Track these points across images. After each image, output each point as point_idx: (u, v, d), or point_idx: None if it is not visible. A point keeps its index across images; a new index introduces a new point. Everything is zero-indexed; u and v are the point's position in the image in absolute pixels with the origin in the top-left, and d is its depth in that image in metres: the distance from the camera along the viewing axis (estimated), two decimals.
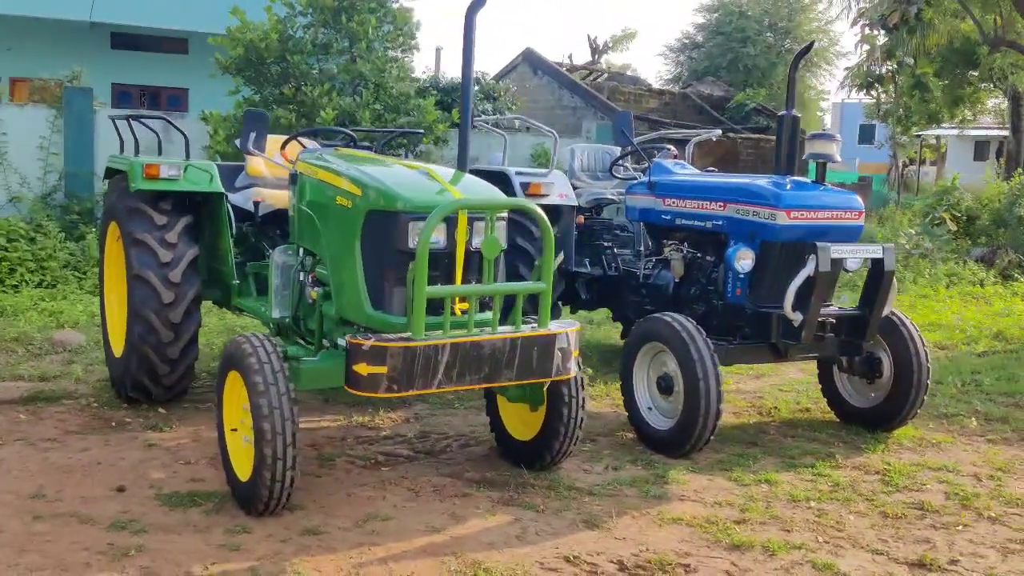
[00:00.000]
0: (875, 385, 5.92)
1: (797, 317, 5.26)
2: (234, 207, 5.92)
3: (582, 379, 4.78)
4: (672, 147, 7.39)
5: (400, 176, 4.47)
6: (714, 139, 8.18)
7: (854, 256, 5.36)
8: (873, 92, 23.59)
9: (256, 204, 5.79)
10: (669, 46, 38.22)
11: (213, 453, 4.83)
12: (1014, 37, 18.54)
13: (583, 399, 4.79)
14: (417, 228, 4.06)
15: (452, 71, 16.08)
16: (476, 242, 4.20)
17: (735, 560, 4.03)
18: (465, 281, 4.24)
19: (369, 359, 3.91)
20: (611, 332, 8.60)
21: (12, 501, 4.34)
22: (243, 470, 4.25)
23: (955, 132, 33.70)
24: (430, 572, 3.80)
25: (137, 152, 6.05)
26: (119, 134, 6.31)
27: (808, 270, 5.22)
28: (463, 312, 4.20)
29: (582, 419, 4.82)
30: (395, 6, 11.62)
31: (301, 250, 4.99)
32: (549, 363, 4.28)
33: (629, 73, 34.47)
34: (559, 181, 6.92)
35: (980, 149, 37.74)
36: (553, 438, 4.82)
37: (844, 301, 5.90)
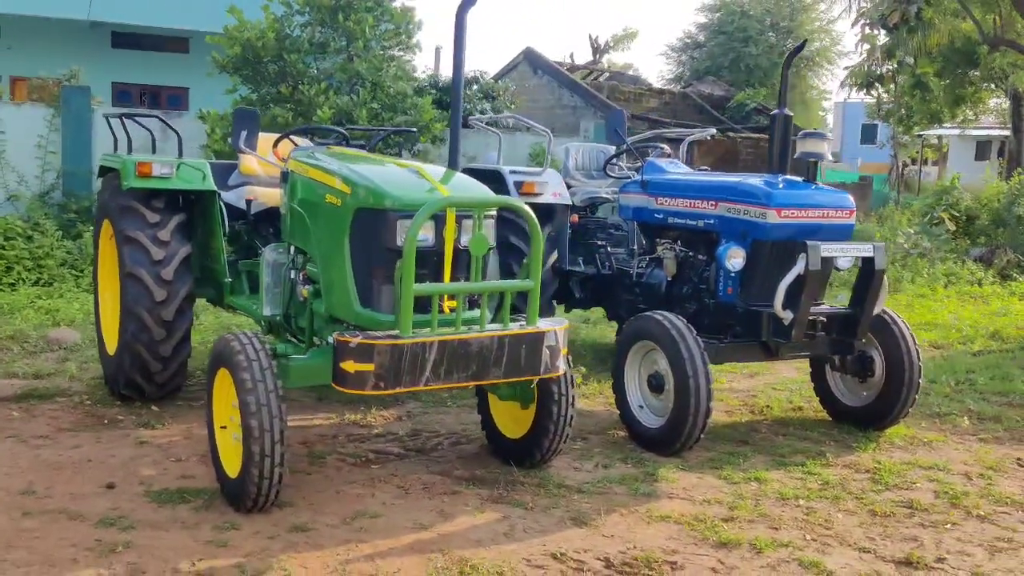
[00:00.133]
0: (867, 384, 5.92)
1: (787, 315, 5.27)
2: (227, 205, 5.93)
3: (572, 377, 4.78)
4: (665, 146, 7.39)
5: (389, 174, 4.48)
6: (708, 138, 8.20)
7: (844, 255, 5.37)
8: (873, 92, 23.57)
9: (249, 202, 5.81)
10: (671, 46, 38.21)
11: (204, 450, 4.85)
12: (1014, 37, 18.52)
13: (573, 397, 4.80)
14: (405, 226, 4.07)
15: (450, 70, 16.04)
16: (464, 240, 4.21)
17: (722, 558, 4.04)
18: (454, 279, 4.25)
19: (356, 356, 3.92)
20: (606, 331, 8.61)
21: (2, 498, 4.35)
22: (232, 467, 4.26)
23: (956, 132, 33.66)
24: (416, 569, 3.81)
25: (130, 150, 6.07)
26: (113, 133, 6.32)
27: (798, 268, 5.23)
28: (451, 310, 4.22)
29: (572, 417, 4.83)
30: (394, 5, 11.65)
31: (292, 248, 5.00)
32: (537, 361, 4.29)
33: (631, 73, 34.48)
34: (553, 180, 6.94)
35: (982, 149, 37.71)
36: (543, 436, 4.83)
37: (841, 300, 5.90)
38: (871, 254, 5.40)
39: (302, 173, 4.83)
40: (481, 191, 4.47)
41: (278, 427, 4.02)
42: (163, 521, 4.16)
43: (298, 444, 5.26)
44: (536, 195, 6.74)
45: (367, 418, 5.84)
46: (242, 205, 5.87)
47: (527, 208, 4.30)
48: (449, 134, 5.33)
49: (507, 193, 6.54)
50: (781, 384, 7.15)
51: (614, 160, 7.51)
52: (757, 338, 5.57)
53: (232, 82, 10.84)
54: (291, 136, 5.54)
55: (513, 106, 16.10)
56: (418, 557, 3.90)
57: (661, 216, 6.39)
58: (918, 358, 5.73)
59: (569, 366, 4.72)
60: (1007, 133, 27.39)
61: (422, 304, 4.09)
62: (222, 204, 5.83)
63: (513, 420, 5.02)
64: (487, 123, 7.78)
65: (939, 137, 36.49)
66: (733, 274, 5.66)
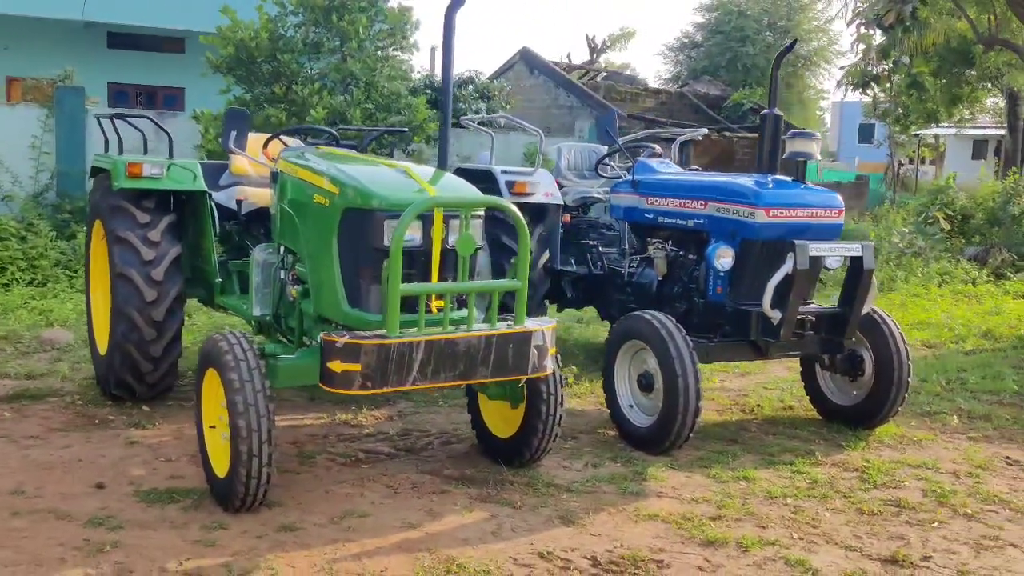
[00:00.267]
0: (857, 383, 5.94)
1: (776, 315, 5.28)
2: (218, 205, 5.94)
3: (561, 376, 4.80)
4: (656, 146, 7.41)
5: (377, 174, 4.49)
6: (699, 138, 8.19)
7: (833, 254, 5.39)
8: (869, 92, 23.60)
9: (239, 203, 5.82)
10: (668, 45, 38.29)
11: (194, 450, 4.85)
12: (1008, 36, 18.55)
13: (562, 396, 4.81)
14: (392, 226, 4.08)
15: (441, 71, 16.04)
16: (452, 240, 4.23)
17: (708, 556, 4.05)
18: (442, 279, 4.26)
19: (343, 356, 3.93)
20: (598, 331, 8.62)
21: None
22: (221, 467, 4.27)
23: (953, 131, 33.70)
24: (403, 568, 3.82)
25: (121, 151, 6.08)
26: (104, 133, 6.33)
27: (787, 268, 5.24)
28: (439, 310, 4.23)
29: (561, 416, 4.84)
30: (390, 5, 11.66)
31: (282, 248, 5.01)
32: (525, 360, 4.30)
33: (628, 72, 34.47)
34: (545, 180, 6.95)
35: (978, 148, 37.75)
36: (532, 435, 4.84)
37: (836, 300, 5.90)
38: (859, 253, 5.41)
39: (291, 173, 4.84)
40: (468, 191, 4.48)
41: (266, 427, 4.03)
42: (152, 521, 4.17)
43: (288, 444, 5.27)
44: (528, 195, 6.75)
45: (358, 418, 5.85)
46: (233, 205, 5.88)
47: (514, 208, 4.31)
48: (440, 134, 5.35)
49: (499, 193, 6.56)
50: (772, 383, 7.17)
51: (605, 160, 7.53)
52: (746, 337, 5.58)
53: (226, 82, 10.85)
54: (281, 136, 5.55)
55: (508, 106, 16.12)
56: (405, 556, 3.92)
57: (652, 216, 6.40)
58: (907, 357, 5.74)
59: (558, 365, 4.73)
60: (1003, 132, 27.44)
61: (410, 304, 4.11)
62: (213, 204, 5.84)
63: (502, 419, 5.04)
64: (479, 123, 7.78)
65: (936, 136, 36.54)
66: (722, 274, 5.67)
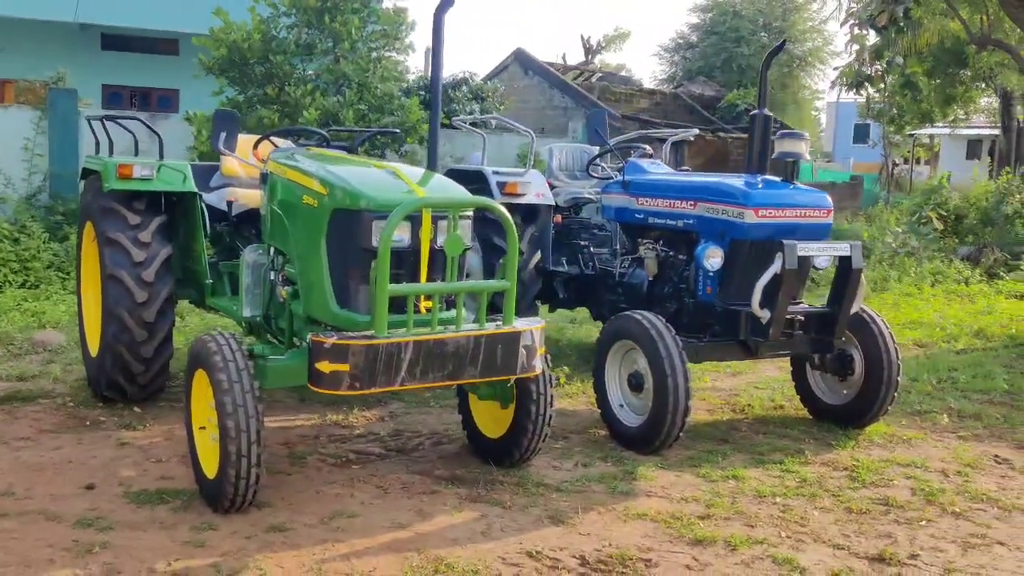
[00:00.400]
0: (847, 382, 5.96)
1: (765, 314, 5.30)
2: (209, 207, 5.95)
3: (550, 376, 4.81)
4: (647, 147, 7.42)
5: (366, 175, 4.50)
6: (691, 139, 8.21)
7: (821, 254, 5.41)
8: (863, 92, 23.62)
9: (230, 204, 5.82)
10: (663, 46, 38.26)
11: (185, 451, 4.85)
12: (1001, 36, 18.59)
13: (551, 396, 4.82)
14: (380, 226, 4.09)
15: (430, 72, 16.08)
16: (440, 241, 4.24)
17: (696, 555, 4.07)
18: (431, 279, 4.27)
19: (331, 357, 3.94)
20: (591, 331, 8.63)
21: None
22: (210, 467, 4.28)
23: (947, 131, 33.77)
24: (392, 567, 3.83)
25: (112, 152, 6.08)
26: (95, 135, 6.34)
27: (775, 268, 5.26)
28: (428, 310, 4.24)
29: (550, 416, 4.85)
30: (384, 7, 11.66)
31: (272, 249, 5.02)
32: (514, 360, 4.31)
33: (623, 73, 34.51)
34: (536, 180, 6.97)
35: (973, 148, 37.82)
36: (522, 435, 4.85)
37: None
38: (848, 253, 5.43)
39: (281, 174, 4.84)
40: (456, 191, 4.50)
41: (255, 427, 4.04)
42: (141, 522, 4.17)
43: (279, 445, 5.28)
44: (519, 195, 6.77)
45: (349, 419, 5.86)
46: (223, 207, 5.88)
47: (502, 208, 4.33)
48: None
49: (490, 194, 6.58)
50: (763, 383, 7.19)
51: (597, 161, 7.54)
52: (735, 337, 5.60)
53: (219, 84, 10.85)
54: (272, 138, 5.56)
55: (502, 107, 16.12)
56: (394, 556, 3.93)
57: (642, 216, 6.42)
58: (897, 356, 5.76)
59: (547, 366, 4.74)
60: (997, 132, 27.50)
61: (399, 305, 4.12)
62: (203, 205, 5.85)
63: (493, 420, 5.05)
64: (471, 124, 7.80)
65: (930, 136, 36.60)
66: (712, 273, 5.69)
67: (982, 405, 6.71)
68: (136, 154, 6.18)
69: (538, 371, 4.51)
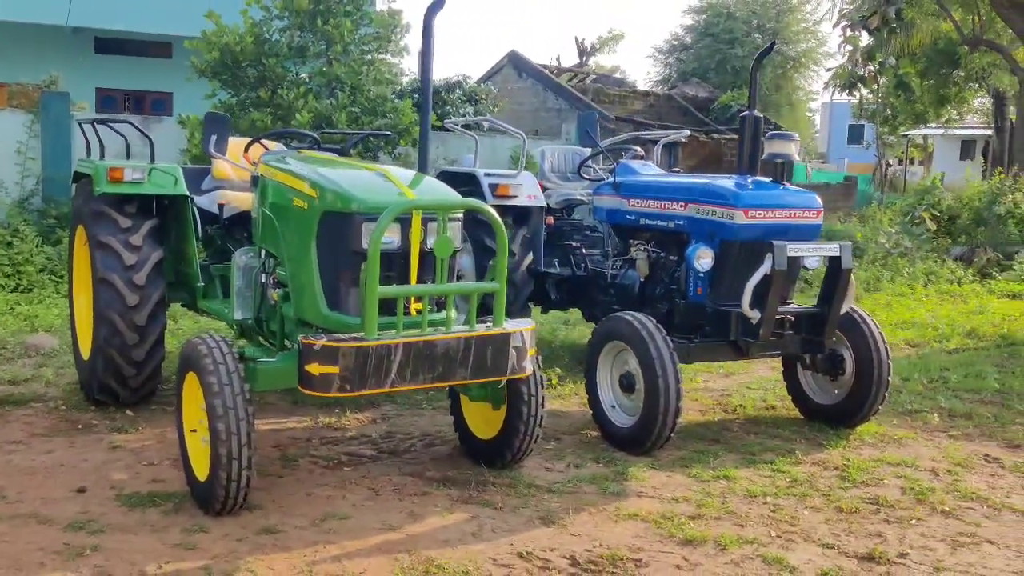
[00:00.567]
0: (838, 382, 5.97)
1: (755, 315, 5.32)
2: (200, 210, 5.95)
3: (541, 378, 4.81)
4: (638, 148, 7.44)
5: (356, 178, 4.51)
6: (683, 140, 8.23)
7: (811, 254, 5.43)
8: (856, 93, 23.73)
9: (221, 207, 5.83)
10: (658, 48, 38.36)
11: (176, 454, 4.85)
12: (993, 36, 18.68)
13: (543, 397, 4.82)
14: (370, 229, 4.10)
15: (436, 73, 16.10)
16: (431, 242, 4.25)
17: (686, 554, 4.08)
18: (421, 281, 4.28)
19: (321, 359, 3.95)
20: (584, 332, 8.63)
21: None
22: (201, 470, 4.28)
23: (940, 132, 33.88)
24: (383, 569, 3.84)
25: (103, 156, 6.09)
26: (86, 139, 6.34)
27: (765, 268, 5.28)
28: (418, 312, 4.25)
29: (542, 417, 4.85)
30: (377, 9, 11.68)
31: (263, 252, 5.02)
32: (504, 362, 4.32)
33: (617, 75, 34.59)
34: (528, 182, 6.98)
35: (966, 148, 37.92)
36: (513, 436, 4.86)
37: None
38: (837, 253, 5.45)
39: (271, 177, 4.85)
40: (446, 193, 4.51)
41: (245, 430, 4.04)
42: (132, 524, 4.18)
43: (271, 447, 5.29)
44: (511, 197, 6.79)
45: (341, 421, 5.87)
46: (215, 209, 5.89)
47: (491, 210, 4.34)
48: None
49: (482, 196, 6.59)
50: (756, 383, 7.21)
51: (588, 162, 7.56)
52: (726, 338, 5.62)
53: (211, 87, 10.86)
54: (263, 140, 5.57)
55: (496, 109, 16.15)
56: (385, 558, 3.93)
57: (633, 218, 6.44)
58: (887, 356, 5.78)
59: (538, 367, 4.75)
60: (991, 132, 27.60)
61: (389, 306, 4.13)
62: (195, 208, 5.85)
63: (484, 421, 5.05)
64: (463, 126, 7.81)
65: (924, 137, 36.71)
66: (702, 274, 5.70)
67: (973, 404, 6.74)
68: (128, 157, 6.18)
69: (529, 372, 4.52)
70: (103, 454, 5.12)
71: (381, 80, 11.26)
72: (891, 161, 32.87)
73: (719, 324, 5.65)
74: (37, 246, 9.93)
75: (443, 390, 5.52)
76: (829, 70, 26.22)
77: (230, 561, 3.83)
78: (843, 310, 5.58)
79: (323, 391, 4.00)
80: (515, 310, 6.61)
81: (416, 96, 13.08)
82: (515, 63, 22.14)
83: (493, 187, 6.76)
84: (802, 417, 6.21)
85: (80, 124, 6.42)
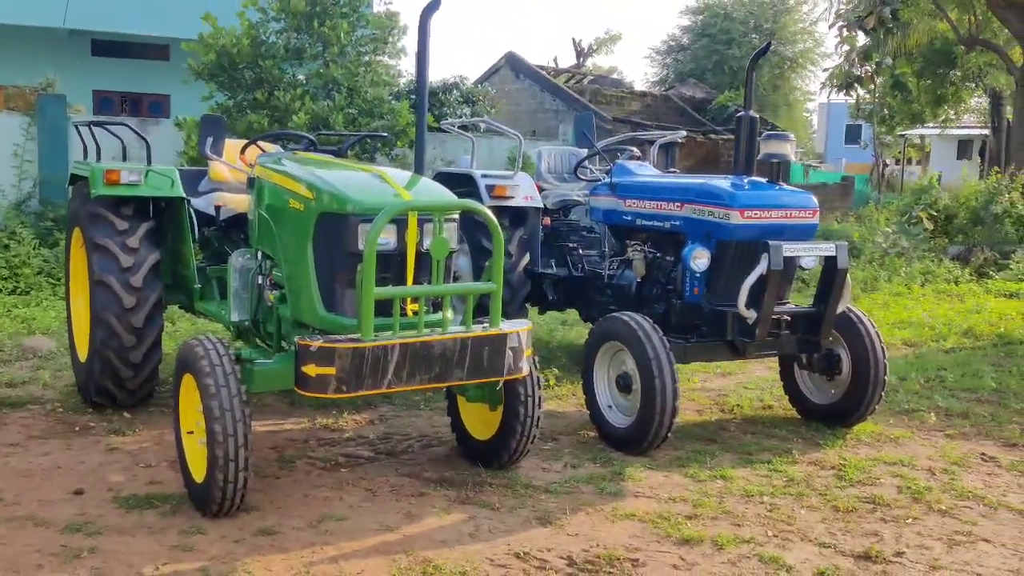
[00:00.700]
0: (835, 382, 5.98)
1: (751, 315, 5.33)
2: (197, 211, 5.96)
3: (538, 378, 4.82)
4: (634, 149, 7.45)
5: (352, 179, 4.52)
6: (680, 140, 8.24)
7: (807, 254, 5.44)
8: (852, 93, 23.76)
9: (218, 208, 5.84)
10: (655, 48, 38.40)
11: (174, 456, 4.85)
12: (989, 36, 18.70)
13: (539, 398, 4.83)
14: (366, 230, 4.10)
15: (433, 74, 16.13)
16: (427, 243, 4.25)
17: (683, 554, 4.09)
18: (417, 282, 4.28)
19: (317, 360, 3.96)
20: (581, 332, 8.63)
21: None
22: (198, 472, 4.29)
23: (937, 132, 33.91)
24: (380, 570, 3.84)
25: (100, 158, 6.09)
26: (83, 141, 6.34)
27: (761, 268, 5.28)
28: (414, 313, 4.26)
29: (539, 418, 4.86)
30: (375, 11, 11.68)
31: (260, 253, 5.03)
32: (500, 362, 4.32)
33: (615, 76, 34.58)
34: (524, 183, 6.99)
35: (963, 148, 37.98)
36: (510, 436, 4.86)
37: None
38: (833, 253, 5.46)
39: (268, 179, 4.86)
40: (442, 194, 4.51)
41: (242, 431, 4.05)
42: (129, 526, 4.18)
43: (268, 449, 5.29)
44: (508, 198, 6.80)
45: (338, 422, 5.87)
46: (212, 211, 5.90)
47: (486, 210, 4.35)
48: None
49: (479, 197, 6.60)
50: (753, 383, 7.21)
51: (585, 163, 7.57)
52: (723, 338, 5.63)
53: (208, 89, 10.86)
54: (259, 142, 5.57)
55: (493, 110, 16.15)
56: (382, 558, 3.94)
57: (630, 218, 6.45)
58: (884, 355, 5.79)
59: (535, 367, 4.76)
60: (988, 132, 27.63)
61: (385, 307, 4.13)
62: (191, 210, 5.86)
63: (481, 422, 5.06)
64: (460, 127, 7.82)
65: (921, 137, 36.75)
66: (698, 274, 5.71)
67: (970, 403, 6.75)
68: (124, 159, 6.18)
69: (525, 372, 4.52)
70: (100, 456, 5.12)
71: (378, 82, 11.27)
72: (888, 161, 32.92)
73: (716, 324, 5.66)
74: (34, 248, 9.93)
75: (440, 391, 5.52)
76: (826, 70, 26.26)
77: (227, 563, 3.83)
78: (839, 310, 5.59)
79: (320, 392, 4.00)
80: (512, 311, 6.62)
81: (413, 97, 13.09)
82: (512, 64, 22.15)
83: (490, 188, 6.77)
84: (799, 417, 6.21)
85: (77, 126, 6.42)
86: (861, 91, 23.65)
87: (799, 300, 6.71)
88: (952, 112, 28.21)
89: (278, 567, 3.83)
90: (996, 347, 8.76)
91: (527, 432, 4.85)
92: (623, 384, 5.44)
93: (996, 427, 6.20)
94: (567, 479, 4.96)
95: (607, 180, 6.76)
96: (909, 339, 9.10)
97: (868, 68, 21.77)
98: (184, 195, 5.74)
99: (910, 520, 4.55)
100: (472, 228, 6.52)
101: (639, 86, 31.40)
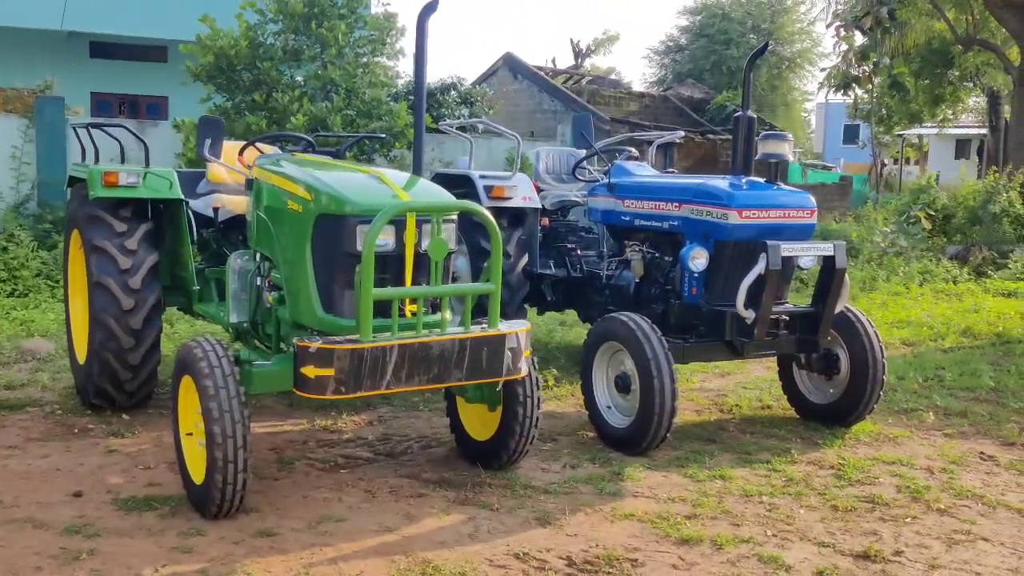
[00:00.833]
0: (833, 381, 5.99)
1: (749, 315, 5.33)
2: (196, 213, 5.96)
3: (537, 379, 4.82)
4: (632, 149, 7.46)
5: (351, 180, 4.52)
6: (678, 140, 8.25)
7: (805, 254, 5.44)
8: (850, 93, 23.77)
9: (216, 210, 5.84)
10: (653, 49, 38.41)
11: (173, 458, 4.84)
12: (987, 36, 18.72)
13: (538, 399, 4.83)
14: (364, 231, 4.11)
15: (431, 75, 16.17)
16: (425, 244, 4.25)
17: (682, 554, 4.09)
18: (416, 283, 4.29)
19: (316, 361, 3.96)
20: (580, 333, 8.62)
21: None
22: (198, 473, 4.29)
23: (935, 131, 33.95)
24: (379, 571, 3.84)
25: (98, 160, 6.09)
26: (80, 143, 6.34)
27: (759, 268, 5.29)
28: (413, 314, 4.26)
29: (537, 418, 4.86)
30: (373, 13, 11.69)
31: (258, 255, 5.03)
32: (499, 363, 4.33)
33: (613, 77, 34.62)
34: (523, 184, 6.99)
35: (961, 147, 38.02)
36: (509, 437, 4.86)
37: None
38: (831, 252, 5.47)
39: (266, 180, 4.86)
40: (440, 195, 4.52)
41: (241, 433, 4.05)
42: (129, 528, 4.18)
43: (267, 450, 5.29)
44: (506, 199, 6.80)
45: (338, 423, 5.87)
46: (210, 213, 5.90)
47: (485, 212, 4.35)
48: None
49: (477, 198, 6.60)
50: (751, 383, 7.22)
51: (583, 164, 7.57)
52: (721, 338, 5.63)
53: (206, 91, 10.86)
54: (257, 144, 5.58)
55: (491, 111, 16.16)
56: (381, 559, 3.94)
57: (628, 218, 6.45)
58: (882, 355, 5.79)
59: (534, 368, 4.76)
60: (985, 132, 27.65)
61: (384, 308, 4.13)
62: (190, 212, 5.86)
63: (480, 422, 5.06)
64: (458, 128, 7.83)
65: (919, 136, 36.79)
66: (697, 275, 5.72)
67: (968, 403, 6.76)
68: (123, 161, 6.19)
69: (524, 373, 4.53)
70: (99, 458, 5.12)
71: (376, 83, 11.28)
72: (886, 161, 32.94)
73: (714, 324, 5.66)
74: (33, 251, 9.93)
75: (439, 392, 5.52)
76: (824, 70, 26.29)
77: (227, 564, 3.84)
78: (838, 309, 5.60)
79: (319, 393, 4.00)
80: (511, 312, 6.62)
81: (411, 99, 13.09)
82: (510, 65, 22.15)
83: (488, 189, 6.77)
84: (798, 416, 6.22)
85: (75, 128, 6.42)
86: (859, 91, 23.66)
87: (797, 300, 6.72)
88: (950, 112, 28.24)
89: (277, 568, 3.83)
90: (994, 346, 8.77)
91: (526, 433, 4.85)
92: (622, 384, 5.44)
93: (995, 426, 6.21)
94: (566, 479, 4.96)
95: (605, 181, 6.77)
96: (907, 338, 9.11)
97: (866, 68, 21.78)
98: (182, 197, 5.74)
99: (909, 519, 4.55)
100: (470, 229, 6.53)
101: (637, 87, 31.43)
